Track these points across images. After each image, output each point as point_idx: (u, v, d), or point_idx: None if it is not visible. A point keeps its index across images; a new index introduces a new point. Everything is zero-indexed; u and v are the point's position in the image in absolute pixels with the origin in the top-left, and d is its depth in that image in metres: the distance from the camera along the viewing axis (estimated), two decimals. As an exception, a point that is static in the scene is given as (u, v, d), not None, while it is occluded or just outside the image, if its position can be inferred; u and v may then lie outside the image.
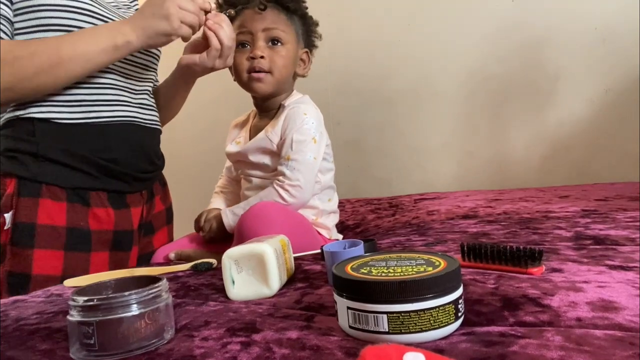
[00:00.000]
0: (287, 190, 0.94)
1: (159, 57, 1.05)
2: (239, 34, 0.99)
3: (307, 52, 1.07)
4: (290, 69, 1.03)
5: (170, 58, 1.14)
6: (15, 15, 0.84)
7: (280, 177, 0.96)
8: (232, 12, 0.97)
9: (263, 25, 0.98)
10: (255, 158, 1.02)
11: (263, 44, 0.99)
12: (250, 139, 1.05)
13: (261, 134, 1.01)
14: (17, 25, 0.85)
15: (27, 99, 0.85)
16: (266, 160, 1.01)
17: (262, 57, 0.98)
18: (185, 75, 1.04)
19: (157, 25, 0.84)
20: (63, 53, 0.80)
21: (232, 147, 1.08)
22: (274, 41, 0.99)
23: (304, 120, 0.98)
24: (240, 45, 1.00)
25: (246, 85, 1.02)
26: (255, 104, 1.10)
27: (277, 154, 0.99)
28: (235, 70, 1.02)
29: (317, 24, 1.09)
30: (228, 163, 1.17)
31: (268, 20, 0.99)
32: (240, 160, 1.08)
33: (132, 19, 0.86)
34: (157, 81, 1.16)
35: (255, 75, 0.99)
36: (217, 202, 1.15)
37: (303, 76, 1.09)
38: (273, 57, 0.99)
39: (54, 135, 0.87)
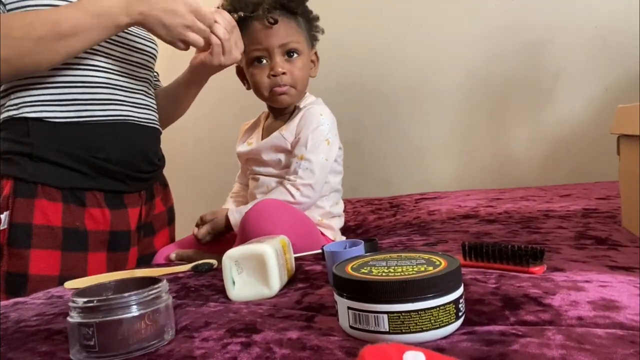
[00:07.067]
0: (298, 189, 0.94)
1: (155, 56, 1.05)
2: (254, 50, 1.00)
3: (315, 52, 1.08)
4: (308, 76, 1.05)
5: (170, 58, 1.14)
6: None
7: (292, 177, 0.97)
8: (241, 14, 0.97)
9: (278, 42, 0.98)
10: (267, 156, 1.03)
11: (281, 59, 0.99)
12: (262, 139, 1.06)
13: (276, 133, 1.02)
14: None
15: (24, 73, 0.83)
16: (279, 157, 1.02)
17: (283, 73, 0.99)
18: (196, 75, 1.04)
19: (155, 25, 0.83)
20: (62, 27, 0.78)
21: (243, 147, 1.09)
22: (290, 53, 1.00)
23: (319, 121, 0.99)
24: (257, 61, 1.01)
25: (270, 100, 1.04)
26: (270, 107, 1.10)
27: (290, 152, 1.00)
28: (257, 87, 1.03)
29: (317, 18, 1.08)
30: (240, 170, 1.18)
31: (281, 34, 0.98)
32: (251, 159, 1.08)
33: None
34: (157, 80, 1.16)
35: (278, 89, 1.00)
36: (229, 206, 1.14)
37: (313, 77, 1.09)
38: (292, 70, 1.00)
39: (49, 135, 0.87)
